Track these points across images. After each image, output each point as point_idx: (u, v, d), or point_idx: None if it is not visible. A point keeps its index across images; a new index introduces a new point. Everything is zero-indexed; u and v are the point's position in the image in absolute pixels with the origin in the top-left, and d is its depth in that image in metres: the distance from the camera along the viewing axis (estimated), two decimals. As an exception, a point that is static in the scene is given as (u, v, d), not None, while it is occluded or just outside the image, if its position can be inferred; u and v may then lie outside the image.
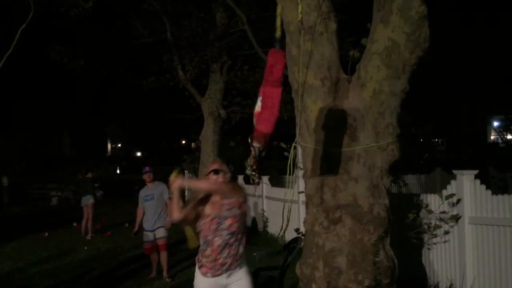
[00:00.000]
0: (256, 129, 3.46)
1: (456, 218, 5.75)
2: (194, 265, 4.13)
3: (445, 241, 5.99)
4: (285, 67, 3.70)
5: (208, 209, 4.00)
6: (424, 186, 14.45)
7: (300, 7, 4.35)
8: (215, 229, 3.93)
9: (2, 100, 36.37)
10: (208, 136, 14.26)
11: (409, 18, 4.20)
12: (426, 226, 6.03)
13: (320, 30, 4.49)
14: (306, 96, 4.58)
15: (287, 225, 5.40)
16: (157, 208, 7.97)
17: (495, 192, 5.59)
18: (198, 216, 4.02)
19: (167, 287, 7.34)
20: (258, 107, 3.50)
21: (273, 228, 10.98)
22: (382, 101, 4.35)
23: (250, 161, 3.50)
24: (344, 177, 4.41)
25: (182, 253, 8.96)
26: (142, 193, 8.16)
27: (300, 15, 4.37)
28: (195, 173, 16.76)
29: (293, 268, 4.93)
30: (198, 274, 4.05)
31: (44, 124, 45.64)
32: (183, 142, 55.98)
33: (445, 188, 5.98)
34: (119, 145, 71.40)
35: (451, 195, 5.76)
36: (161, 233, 7.90)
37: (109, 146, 70.00)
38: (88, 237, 12.12)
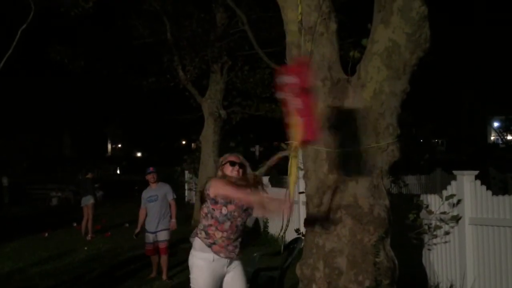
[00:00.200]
0: (303, 140, 3.53)
1: (457, 219, 5.75)
2: None
3: (445, 242, 5.98)
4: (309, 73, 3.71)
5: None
6: (424, 186, 14.45)
7: (299, 8, 4.35)
8: (242, 210, 3.93)
9: (2, 101, 36.37)
10: (209, 136, 14.25)
11: (409, 19, 4.20)
12: (426, 227, 6.02)
13: (320, 30, 4.49)
14: (307, 97, 4.58)
15: (287, 226, 5.39)
16: (160, 209, 7.89)
17: (495, 192, 5.59)
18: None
19: (167, 287, 7.35)
20: (293, 119, 3.54)
21: (273, 229, 10.98)
22: (383, 102, 4.35)
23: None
24: (344, 177, 4.41)
25: (183, 253, 8.95)
26: (146, 194, 8.04)
27: (299, 16, 4.37)
28: (195, 173, 16.75)
29: (293, 268, 4.93)
30: (204, 252, 3.87)
31: (45, 125, 45.66)
32: (184, 142, 55.99)
33: (445, 188, 5.97)
34: (119, 145, 71.46)
35: (452, 196, 5.76)
36: (163, 236, 7.84)
37: (109, 146, 70.06)
38: (88, 237, 12.11)
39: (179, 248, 9.37)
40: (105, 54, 14.66)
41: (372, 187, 4.39)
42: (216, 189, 3.86)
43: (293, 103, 3.49)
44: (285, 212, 3.56)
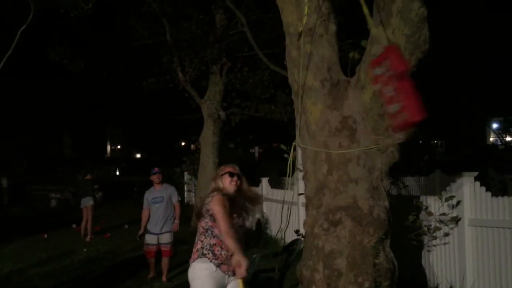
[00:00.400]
0: (411, 121, 3.70)
1: (456, 220, 5.75)
2: None
3: (445, 243, 5.99)
4: (401, 56, 3.82)
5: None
6: (424, 188, 14.44)
7: (306, 9, 4.35)
8: (239, 225, 4.00)
9: (2, 101, 36.35)
10: (208, 137, 14.25)
11: (408, 20, 4.20)
12: (426, 228, 6.02)
13: (320, 32, 4.50)
14: (306, 98, 4.59)
15: (286, 227, 5.39)
16: (166, 211, 7.83)
17: (494, 194, 5.59)
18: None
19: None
20: (394, 115, 3.72)
21: (273, 230, 10.97)
22: (382, 103, 4.35)
23: None
24: (344, 179, 4.41)
25: (182, 254, 8.95)
26: (149, 194, 7.95)
27: (305, 18, 4.37)
28: (194, 174, 16.75)
29: (293, 270, 4.92)
30: (209, 276, 3.81)
31: (44, 125, 45.64)
32: (183, 143, 55.98)
33: (445, 190, 5.98)
34: (119, 146, 71.42)
35: (451, 197, 5.76)
36: (167, 238, 7.79)
37: (108, 147, 70.01)
38: (88, 238, 12.10)
39: (178, 250, 9.37)
40: (104, 55, 14.66)
41: (371, 188, 4.39)
42: (213, 206, 3.88)
43: (390, 91, 3.60)
44: (237, 272, 3.69)
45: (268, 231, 11.26)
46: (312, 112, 4.55)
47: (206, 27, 13.38)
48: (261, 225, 11.53)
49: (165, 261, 7.74)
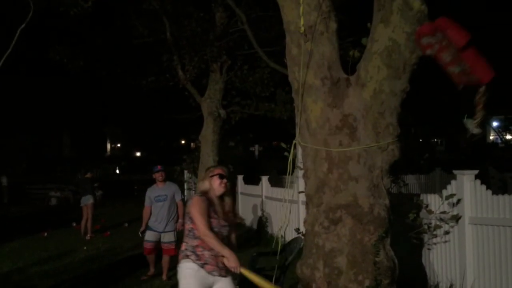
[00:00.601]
0: (479, 82, 3.82)
1: (456, 218, 5.74)
2: None
3: (445, 241, 5.98)
4: (459, 30, 3.86)
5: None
6: (424, 186, 14.46)
7: (301, 8, 4.34)
8: (223, 225, 4.09)
9: (2, 101, 36.34)
10: (208, 136, 14.24)
11: (409, 18, 4.19)
12: (426, 226, 6.02)
13: (320, 29, 4.48)
14: (306, 96, 4.58)
15: (286, 225, 5.39)
16: (169, 210, 7.80)
17: (495, 192, 5.58)
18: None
19: (167, 287, 7.33)
20: (457, 74, 3.85)
21: (273, 228, 10.97)
22: (383, 101, 4.34)
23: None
24: (344, 177, 4.40)
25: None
26: (152, 192, 7.90)
27: (302, 19, 4.36)
28: (194, 173, 16.74)
29: (293, 268, 4.92)
30: (192, 270, 3.96)
31: (44, 125, 45.64)
32: (183, 142, 56.02)
33: (445, 188, 5.97)
34: (119, 145, 71.42)
35: (451, 195, 5.76)
36: (170, 237, 7.75)
37: (108, 146, 70.02)
38: (88, 237, 12.11)
39: (178, 249, 9.36)
40: (104, 53, 14.64)
41: (372, 186, 4.38)
42: (190, 208, 4.04)
43: (447, 57, 3.73)
44: (230, 267, 3.92)
45: (268, 230, 11.26)
46: (313, 110, 4.54)
47: (206, 25, 13.36)
48: (262, 223, 11.53)
49: (165, 260, 7.72)
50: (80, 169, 14.32)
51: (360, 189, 4.38)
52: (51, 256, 9.75)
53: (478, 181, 5.63)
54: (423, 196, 6.25)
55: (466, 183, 5.68)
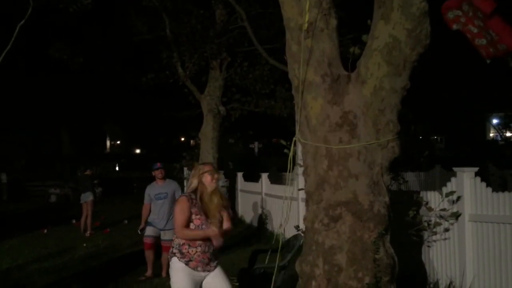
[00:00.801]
0: (508, 50, 3.86)
1: (456, 216, 5.74)
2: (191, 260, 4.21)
3: (445, 239, 5.98)
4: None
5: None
6: (424, 183, 14.45)
7: (307, 5, 4.33)
8: (210, 222, 4.22)
9: (1, 97, 36.31)
10: (208, 133, 14.24)
11: (410, 15, 4.18)
12: (426, 224, 6.01)
13: (320, 26, 4.47)
14: (306, 93, 4.57)
15: (286, 222, 5.38)
16: (170, 207, 7.76)
17: (494, 189, 5.58)
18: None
19: (166, 284, 7.33)
20: (485, 46, 3.93)
21: (273, 225, 10.98)
22: (383, 98, 4.33)
23: None
24: (344, 174, 4.40)
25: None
26: (151, 190, 7.84)
27: (306, 16, 4.35)
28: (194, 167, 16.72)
29: (293, 265, 4.91)
30: (180, 268, 4.15)
31: (43, 121, 45.59)
32: (182, 139, 55.96)
33: (445, 185, 5.97)
34: (118, 142, 71.35)
35: (451, 193, 5.75)
36: (170, 235, 7.64)
37: (108, 143, 69.94)
38: (87, 234, 12.11)
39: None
40: (104, 50, 14.63)
41: (372, 183, 4.38)
42: (175, 207, 4.29)
43: (473, 29, 3.83)
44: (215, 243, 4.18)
45: (268, 227, 11.27)
46: (313, 107, 4.53)
47: (206, 22, 13.35)
48: (263, 220, 11.53)
49: (165, 257, 7.72)
50: (80, 166, 14.31)
51: (360, 186, 4.37)
52: (51, 253, 9.75)
53: (478, 178, 5.62)
54: (423, 193, 6.25)
55: (466, 180, 5.67)
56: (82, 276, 7.96)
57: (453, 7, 3.94)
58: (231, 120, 15.16)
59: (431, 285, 6.08)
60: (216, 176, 4.31)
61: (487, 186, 5.54)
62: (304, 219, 4.70)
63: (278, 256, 4.80)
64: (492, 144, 38.59)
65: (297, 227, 6.40)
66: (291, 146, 4.75)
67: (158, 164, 7.91)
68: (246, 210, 13.22)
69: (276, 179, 13.16)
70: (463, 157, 24.56)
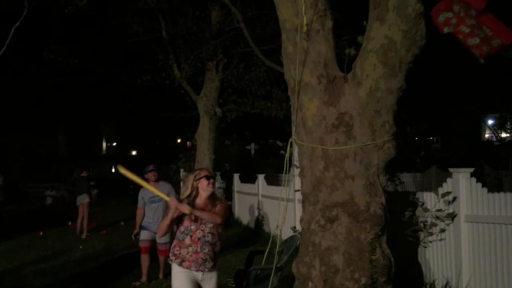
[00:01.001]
0: (503, 44, 3.93)
1: (452, 216, 5.75)
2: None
3: (441, 239, 5.99)
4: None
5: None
6: (420, 184, 14.49)
7: (303, 8, 4.33)
8: (199, 223, 4.27)
9: (-4, 99, 36.21)
10: (204, 134, 14.23)
11: (405, 16, 4.20)
12: (422, 224, 6.03)
13: (316, 27, 4.48)
14: (303, 94, 4.57)
15: (283, 223, 5.37)
16: (164, 210, 7.69)
17: (490, 190, 5.59)
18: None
19: (163, 285, 7.32)
20: (478, 45, 3.97)
21: (269, 227, 10.97)
22: (379, 99, 4.35)
23: None
24: (340, 175, 4.40)
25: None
26: (145, 193, 7.61)
27: (305, 19, 4.36)
28: (190, 171, 16.69)
29: (289, 266, 4.92)
30: (177, 271, 4.25)
31: (40, 123, 45.45)
32: (179, 140, 55.87)
33: (441, 186, 5.98)
34: (114, 143, 71.21)
35: (447, 193, 5.76)
36: (166, 238, 7.61)
37: (104, 144, 69.78)
38: (83, 236, 12.08)
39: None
40: (99, 52, 14.60)
41: (368, 184, 4.39)
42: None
43: (465, 29, 3.87)
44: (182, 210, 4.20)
45: (265, 228, 11.26)
46: (309, 108, 4.54)
47: (202, 24, 13.34)
48: (260, 222, 11.52)
49: (161, 260, 7.69)
50: (76, 168, 14.26)
51: (356, 187, 4.38)
52: (47, 255, 9.72)
53: (474, 179, 5.64)
54: (419, 194, 6.26)
55: (461, 181, 5.68)
56: (78, 278, 7.94)
57: (444, 10, 3.96)
58: (228, 122, 15.15)
59: (428, 286, 6.09)
60: (212, 180, 4.40)
61: (482, 186, 5.56)
62: (301, 220, 4.70)
63: (275, 257, 4.81)
64: (487, 144, 38.72)
65: (293, 228, 6.40)
66: (287, 147, 4.75)
67: (151, 167, 7.74)
68: (242, 212, 13.21)
69: (273, 180, 13.16)
70: (459, 158, 24.63)
